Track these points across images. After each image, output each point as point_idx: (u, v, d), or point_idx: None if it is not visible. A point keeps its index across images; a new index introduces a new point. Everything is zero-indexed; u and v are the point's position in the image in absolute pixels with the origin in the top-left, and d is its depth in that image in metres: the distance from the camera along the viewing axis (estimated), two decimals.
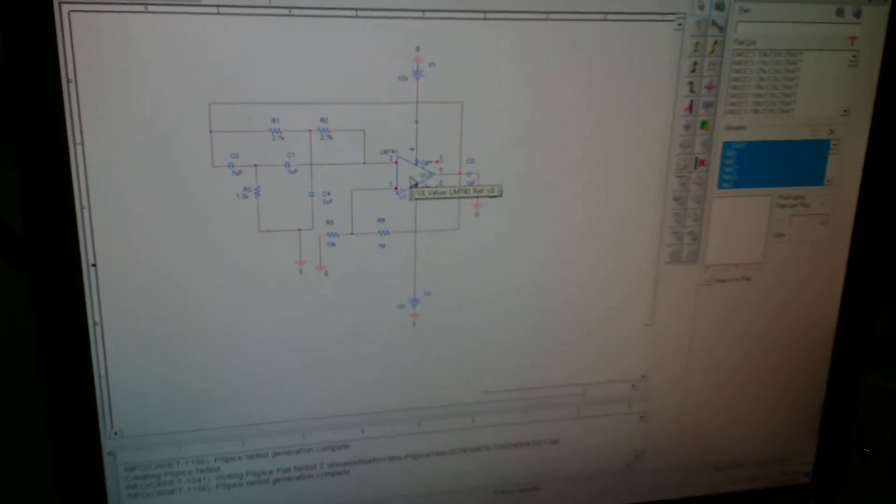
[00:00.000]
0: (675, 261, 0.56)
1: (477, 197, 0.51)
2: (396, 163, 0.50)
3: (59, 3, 0.43)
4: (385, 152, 0.49)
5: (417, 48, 0.48)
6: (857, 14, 0.54)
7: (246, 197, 0.48)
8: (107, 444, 0.51)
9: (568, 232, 0.54)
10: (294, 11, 0.45)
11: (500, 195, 0.52)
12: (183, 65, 0.45)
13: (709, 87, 0.53)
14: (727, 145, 0.54)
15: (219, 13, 0.45)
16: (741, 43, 0.52)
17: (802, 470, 0.66)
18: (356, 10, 0.46)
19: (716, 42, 0.52)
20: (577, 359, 0.57)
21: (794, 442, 0.65)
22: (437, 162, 0.50)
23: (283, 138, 0.47)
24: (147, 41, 0.44)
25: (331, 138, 0.48)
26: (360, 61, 0.47)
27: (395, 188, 0.50)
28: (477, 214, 0.52)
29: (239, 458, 0.53)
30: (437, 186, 0.51)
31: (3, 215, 0.51)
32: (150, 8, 0.44)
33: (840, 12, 0.53)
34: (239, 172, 0.47)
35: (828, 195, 0.57)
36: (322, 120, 0.48)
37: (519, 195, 0.52)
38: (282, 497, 0.55)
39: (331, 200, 0.49)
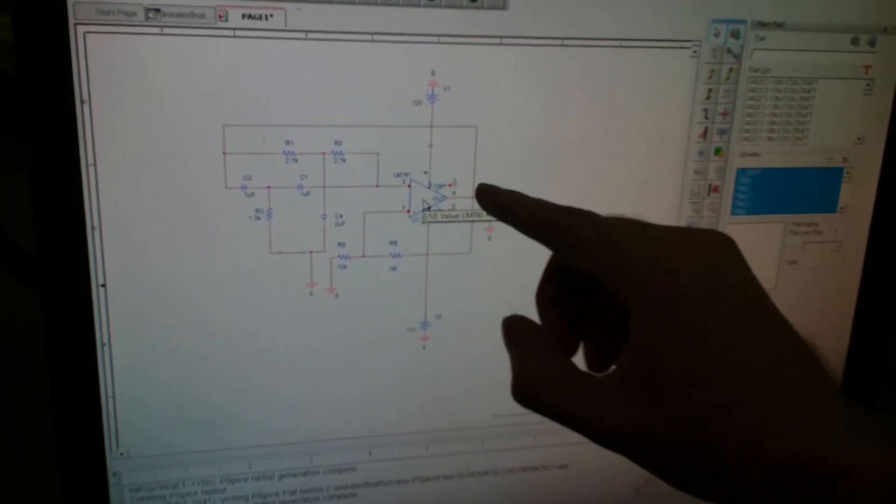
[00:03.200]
0: None
1: (490, 221, 0.51)
2: (410, 186, 0.49)
3: (75, 24, 0.42)
4: (398, 175, 0.49)
5: (433, 72, 0.48)
6: (872, 43, 0.53)
7: (258, 219, 0.48)
8: (112, 464, 0.51)
9: None
10: (310, 35, 0.45)
11: None
12: (197, 87, 0.45)
13: (723, 114, 0.53)
14: (741, 172, 0.54)
15: (234, 36, 0.44)
16: (756, 70, 0.52)
17: None
18: (372, 34, 0.46)
19: (731, 69, 0.52)
20: None
21: None
22: (450, 185, 0.50)
23: (296, 160, 0.47)
24: (161, 63, 0.44)
25: (344, 161, 0.48)
26: (375, 85, 0.47)
27: (408, 211, 0.50)
28: (489, 238, 0.51)
29: (245, 479, 0.53)
30: (449, 210, 0.50)
31: (15, 234, 0.51)
32: (166, 30, 0.43)
33: (855, 41, 0.53)
34: (252, 194, 0.47)
35: (841, 222, 0.57)
36: (336, 143, 0.47)
37: None
38: None
39: (343, 223, 0.49)
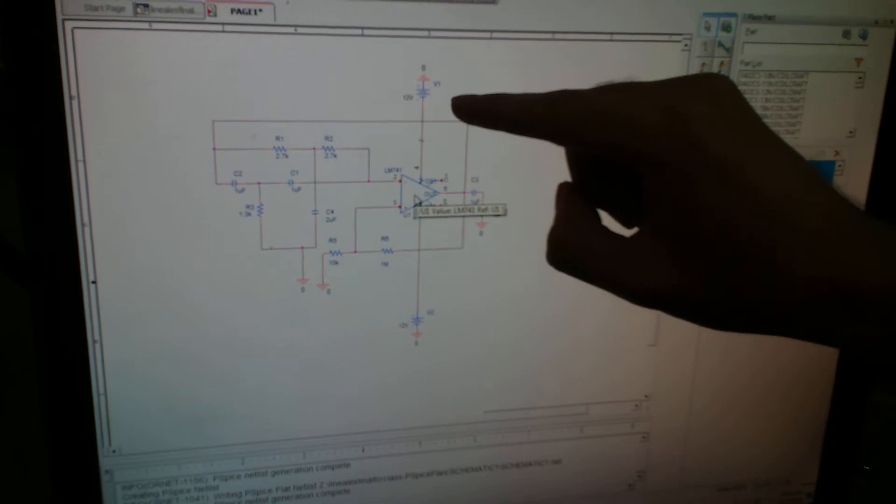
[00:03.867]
0: None
1: (481, 216, 0.51)
2: (401, 181, 0.49)
3: (63, 20, 0.42)
4: (389, 171, 0.49)
5: (423, 67, 0.47)
6: (864, 36, 0.53)
7: (249, 215, 0.48)
8: (104, 462, 0.50)
9: None
10: (300, 30, 0.45)
11: (505, 214, 0.51)
12: (186, 82, 0.45)
13: None
14: None
15: (223, 31, 0.44)
16: (747, 64, 0.52)
17: (805, 490, 0.65)
18: (362, 28, 0.46)
19: (722, 63, 0.52)
20: (580, 378, 0.57)
21: (796, 462, 0.64)
22: (441, 181, 0.50)
23: (287, 156, 0.47)
24: (150, 58, 0.44)
25: (335, 156, 0.48)
26: (366, 80, 0.47)
27: (399, 207, 0.50)
28: (481, 233, 0.51)
29: (238, 476, 0.53)
30: (441, 205, 0.50)
31: (5, 231, 0.51)
32: (154, 25, 0.43)
33: (846, 34, 0.53)
34: (242, 190, 0.47)
35: None
36: (326, 138, 0.47)
37: (524, 214, 0.52)
38: None
39: (334, 218, 0.49)
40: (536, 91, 0.49)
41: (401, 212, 0.50)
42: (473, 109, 0.31)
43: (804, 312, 0.25)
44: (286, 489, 0.54)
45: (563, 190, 0.32)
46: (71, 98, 0.43)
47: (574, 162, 0.32)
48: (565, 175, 0.51)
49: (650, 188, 0.27)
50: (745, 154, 0.26)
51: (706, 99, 0.27)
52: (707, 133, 0.26)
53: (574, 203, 0.31)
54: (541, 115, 0.29)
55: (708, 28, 0.51)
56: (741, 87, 0.51)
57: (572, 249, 0.29)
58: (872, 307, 0.24)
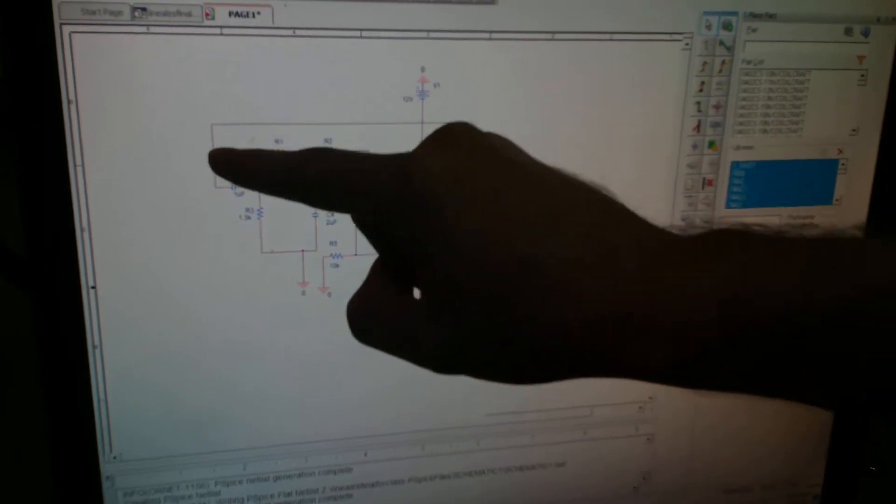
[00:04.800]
0: None
1: None
2: None
3: (60, 24, 0.42)
4: None
5: (422, 68, 0.47)
6: (866, 33, 0.53)
7: (248, 218, 0.47)
8: (105, 468, 0.50)
9: None
10: (298, 32, 0.45)
11: None
12: (185, 86, 0.45)
13: (717, 107, 0.52)
14: (735, 165, 0.54)
15: (222, 34, 0.44)
16: (749, 62, 0.52)
17: (811, 492, 0.65)
18: (360, 30, 0.46)
19: (724, 61, 0.52)
20: (584, 380, 0.56)
21: (803, 464, 0.64)
22: None
23: None
24: (149, 62, 0.44)
25: None
26: (365, 82, 0.47)
27: None
28: None
29: (240, 482, 0.53)
30: None
31: (4, 237, 0.50)
32: (152, 29, 0.43)
33: (848, 31, 0.53)
34: (241, 194, 0.47)
35: (837, 215, 0.57)
36: (326, 140, 0.47)
37: None
38: None
39: (334, 221, 0.49)
40: (536, 92, 0.49)
41: None
42: (229, 166, 0.30)
43: (582, 353, 0.23)
44: (288, 494, 0.54)
45: (374, 263, 0.31)
46: (69, 102, 0.43)
47: (363, 231, 0.31)
48: None
49: (402, 246, 0.26)
50: (470, 199, 0.24)
51: (438, 147, 0.26)
52: (429, 179, 0.25)
53: (373, 274, 0.30)
54: (290, 176, 0.28)
55: (709, 27, 0.51)
56: (743, 87, 0.52)
57: (360, 319, 0.29)
58: (648, 329, 0.23)
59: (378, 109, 0.47)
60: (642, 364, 0.23)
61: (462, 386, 0.53)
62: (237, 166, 0.30)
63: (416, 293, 0.29)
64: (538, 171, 0.26)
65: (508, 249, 0.23)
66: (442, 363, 0.26)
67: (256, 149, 0.30)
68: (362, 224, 0.31)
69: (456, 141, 0.27)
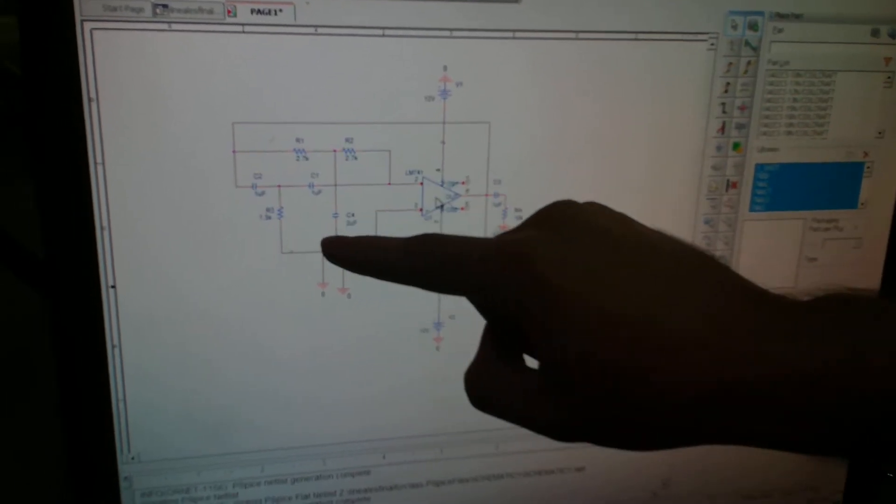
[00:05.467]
0: None
1: (503, 219, 0.50)
2: (422, 184, 0.49)
3: (82, 21, 0.42)
4: (410, 173, 0.48)
5: (445, 67, 0.47)
6: (893, 34, 0.52)
7: (269, 218, 0.47)
8: (123, 468, 0.50)
9: None
10: (320, 30, 0.45)
11: None
12: (206, 84, 0.44)
13: (742, 109, 0.52)
14: (760, 167, 0.53)
15: (244, 31, 0.44)
16: (775, 63, 0.51)
17: (832, 498, 0.64)
18: (383, 28, 0.45)
19: (749, 62, 0.51)
20: None
21: (823, 469, 0.63)
22: (463, 183, 0.49)
23: (307, 158, 0.46)
24: (170, 60, 0.43)
25: (356, 159, 0.47)
26: (387, 81, 0.46)
27: (421, 210, 0.49)
28: None
29: (258, 483, 0.52)
30: (463, 208, 0.49)
31: (22, 235, 0.50)
32: (174, 26, 0.43)
33: (875, 32, 0.52)
34: (262, 193, 0.46)
35: (861, 218, 0.56)
36: (347, 140, 0.47)
37: None
38: None
39: (355, 222, 0.48)
40: (559, 92, 0.49)
41: (422, 215, 0.49)
42: (341, 253, 0.31)
43: (699, 422, 0.24)
44: (306, 496, 0.53)
45: (484, 332, 0.31)
46: (90, 100, 0.43)
47: (475, 305, 0.31)
48: (587, 176, 0.50)
49: (523, 329, 0.27)
50: (582, 280, 0.25)
51: (547, 232, 0.27)
52: (547, 267, 0.25)
53: (486, 345, 0.30)
54: (400, 265, 0.29)
55: (734, 27, 0.50)
56: (768, 88, 0.51)
57: (478, 388, 0.29)
58: (770, 403, 0.23)
59: (399, 109, 0.47)
60: (759, 436, 0.24)
61: None
62: (350, 255, 0.31)
63: (529, 360, 0.29)
64: (647, 242, 0.27)
65: (628, 326, 0.24)
66: (561, 433, 0.27)
67: (366, 236, 0.31)
68: (477, 303, 0.31)
69: (563, 222, 0.27)
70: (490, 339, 0.30)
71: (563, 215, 0.28)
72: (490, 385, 0.29)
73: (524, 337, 0.27)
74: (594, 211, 0.28)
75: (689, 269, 0.25)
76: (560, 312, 0.25)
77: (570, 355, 0.25)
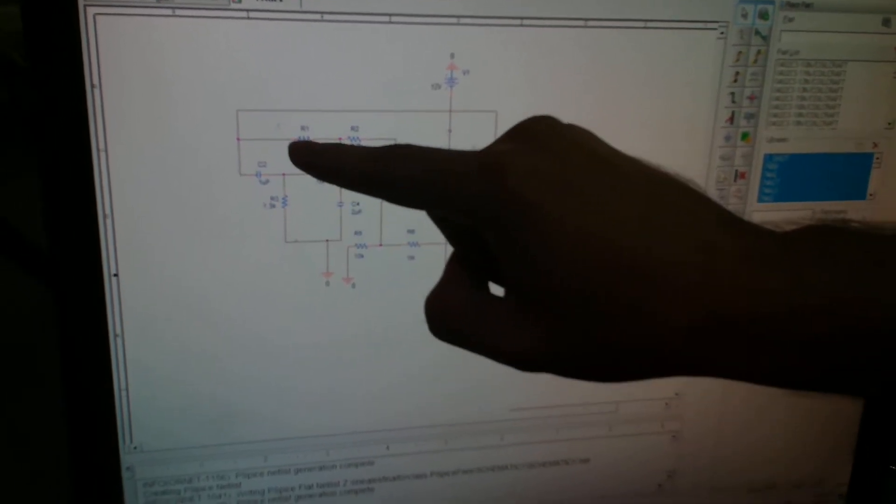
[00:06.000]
0: None
1: None
2: None
3: (85, 6, 0.41)
4: None
5: (452, 55, 0.46)
6: None
7: (273, 206, 0.47)
8: (126, 458, 0.50)
9: None
10: (326, 17, 0.44)
11: None
12: (210, 71, 0.44)
13: (751, 98, 0.51)
14: (769, 158, 0.53)
15: (248, 17, 0.43)
16: (784, 53, 0.51)
17: (837, 492, 0.64)
18: (389, 15, 0.45)
19: (759, 52, 0.50)
20: None
21: (829, 463, 0.63)
22: None
23: None
24: (174, 46, 0.43)
25: None
26: (393, 68, 0.46)
27: None
28: None
29: (261, 474, 0.52)
30: None
31: (24, 223, 0.50)
32: (178, 12, 0.42)
33: (886, 22, 0.52)
34: (266, 181, 0.46)
35: (870, 210, 0.56)
36: (353, 128, 0.46)
37: None
38: None
39: (360, 211, 0.48)
40: (567, 80, 0.48)
41: None
42: (310, 159, 0.29)
43: (680, 354, 0.23)
44: (309, 487, 0.53)
45: (450, 257, 0.30)
46: (93, 87, 0.42)
47: (440, 227, 0.31)
48: None
49: (492, 246, 0.26)
50: (566, 199, 0.24)
51: (526, 145, 0.25)
52: (524, 181, 0.24)
53: (451, 269, 0.29)
54: (375, 174, 0.27)
55: (745, 15, 0.49)
56: (778, 77, 0.50)
57: (441, 316, 0.28)
58: (754, 334, 0.22)
59: (406, 97, 0.47)
60: (744, 368, 0.23)
61: (486, 380, 0.53)
62: (319, 159, 0.29)
63: (495, 289, 0.28)
64: (626, 165, 0.26)
65: (607, 248, 0.23)
66: (529, 362, 0.26)
67: (338, 143, 0.29)
68: (440, 220, 0.30)
69: (543, 137, 0.26)
70: (455, 265, 0.29)
71: (543, 130, 0.26)
72: (452, 311, 0.28)
73: (492, 261, 0.26)
74: (577, 131, 0.27)
75: (673, 198, 0.25)
76: (538, 232, 0.24)
77: (549, 280, 0.24)
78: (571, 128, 0.27)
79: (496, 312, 0.26)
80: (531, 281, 0.24)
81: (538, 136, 0.26)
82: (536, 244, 0.24)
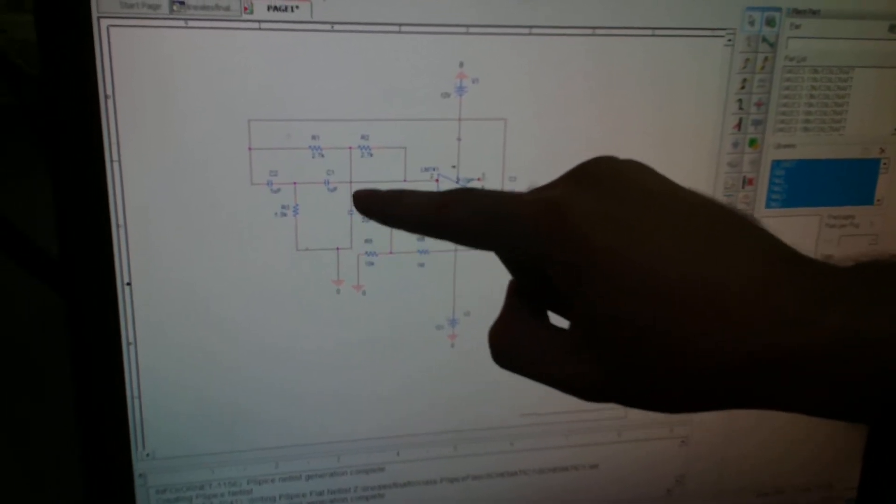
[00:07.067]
0: None
1: None
2: (437, 181, 0.48)
3: (98, 18, 0.42)
4: (426, 170, 0.48)
5: (461, 64, 0.47)
6: None
7: (284, 215, 0.47)
8: (138, 465, 0.50)
9: None
10: (336, 27, 0.44)
11: None
12: (222, 81, 0.44)
13: (758, 105, 0.51)
14: (776, 164, 0.53)
15: (260, 28, 0.44)
16: (792, 59, 0.51)
17: (845, 496, 0.64)
18: (399, 25, 0.45)
19: (766, 58, 0.51)
20: None
21: (837, 467, 0.63)
22: (479, 180, 0.49)
23: (322, 155, 0.46)
24: (186, 57, 0.43)
25: (371, 156, 0.47)
26: (403, 77, 0.46)
27: None
28: None
29: (272, 480, 0.52)
30: None
31: (38, 233, 0.50)
32: (190, 23, 0.43)
33: (893, 28, 0.52)
34: (278, 190, 0.46)
35: (877, 215, 0.56)
36: (363, 137, 0.47)
37: None
38: None
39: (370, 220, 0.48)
40: (576, 88, 0.48)
41: None
42: (372, 208, 0.30)
43: (737, 386, 0.23)
44: (320, 493, 0.53)
45: (508, 287, 0.31)
46: (106, 97, 0.43)
47: (503, 260, 0.31)
48: None
49: (554, 282, 0.26)
50: (625, 237, 0.24)
51: (586, 186, 0.26)
52: (585, 223, 0.25)
53: (512, 301, 0.30)
54: (432, 219, 0.28)
55: (752, 23, 0.50)
56: (785, 84, 0.51)
57: (506, 348, 0.29)
58: (812, 369, 0.22)
59: (416, 105, 0.47)
60: (800, 401, 0.23)
61: (496, 387, 0.53)
62: (383, 208, 0.30)
63: (554, 319, 0.29)
64: (685, 199, 0.26)
65: (668, 284, 0.23)
66: (593, 392, 0.27)
67: (399, 190, 0.30)
68: (506, 259, 0.31)
69: (603, 178, 0.26)
70: (515, 296, 0.30)
71: (601, 171, 0.27)
72: (516, 342, 0.28)
73: (553, 294, 0.27)
74: (634, 168, 0.27)
75: (730, 231, 0.25)
76: (597, 269, 0.24)
77: (607, 314, 0.24)
78: (630, 165, 0.27)
79: (559, 344, 0.27)
80: (594, 316, 0.25)
81: (597, 177, 0.26)
82: (599, 283, 0.24)
